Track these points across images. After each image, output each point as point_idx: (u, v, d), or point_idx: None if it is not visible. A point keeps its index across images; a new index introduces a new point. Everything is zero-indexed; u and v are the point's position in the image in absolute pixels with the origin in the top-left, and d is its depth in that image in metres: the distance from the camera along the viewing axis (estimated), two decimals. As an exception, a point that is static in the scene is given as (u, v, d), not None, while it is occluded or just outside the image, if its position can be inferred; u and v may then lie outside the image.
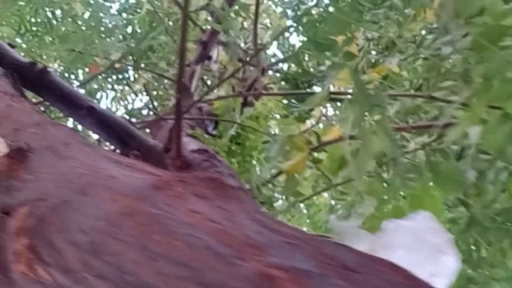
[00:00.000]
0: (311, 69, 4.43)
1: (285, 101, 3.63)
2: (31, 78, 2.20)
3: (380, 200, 1.29)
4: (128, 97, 5.09)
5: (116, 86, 4.98)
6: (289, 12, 5.76)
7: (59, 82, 2.28)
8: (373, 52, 3.87)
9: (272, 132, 3.21)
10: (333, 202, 3.74)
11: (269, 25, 5.67)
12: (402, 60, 2.64)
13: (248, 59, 4.59)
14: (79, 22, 3.71)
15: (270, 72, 4.52)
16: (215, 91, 4.04)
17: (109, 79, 4.88)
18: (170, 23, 4.36)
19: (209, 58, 3.67)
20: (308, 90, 4.29)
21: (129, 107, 5.12)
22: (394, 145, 1.26)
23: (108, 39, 3.46)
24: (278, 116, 3.72)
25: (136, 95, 5.08)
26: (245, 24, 4.94)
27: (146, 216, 0.79)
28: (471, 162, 1.81)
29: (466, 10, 1.36)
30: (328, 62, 4.54)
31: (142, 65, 4.28)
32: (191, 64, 3.52)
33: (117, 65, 3.73)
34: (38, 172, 1.13)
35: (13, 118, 1.51)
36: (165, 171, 1.04)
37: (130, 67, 4.61)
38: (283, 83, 4.39)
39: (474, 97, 1.19)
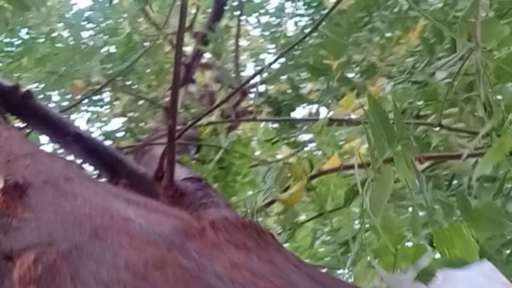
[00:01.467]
0: (288, 91, 4.39)
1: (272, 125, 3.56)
2: (14, 103, 2.10)
3: (396, 236, 1.22)
4: (104, 119, 4.99)
5: (91, 107, 4.88)
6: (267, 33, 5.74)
7: (43, 107, 2.18)
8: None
9: (257, 156, 3.13)
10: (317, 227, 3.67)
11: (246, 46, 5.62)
12: (396, 84, 2.59)
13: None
14: (59, 44, 3.61)
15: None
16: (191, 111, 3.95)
17: (84, 101, 4.76)
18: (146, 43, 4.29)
19: (193, 81, 3.60)
20: (291, 113, 4.24)
21: (104, 128, 5.01)
22: (420, 179, 1.20)
23: (88, 61, 3.36)
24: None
25: (113, 117, 4.97)
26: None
27: (179, 268, 0.70)
28: (475, 191, 1.76)
29: (491, 37, 1.31)
30: (310, 85, 4.49)
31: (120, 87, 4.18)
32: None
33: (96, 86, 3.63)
34: (40, 211, 1.04)
35: (3, 148, 1.41)
36: (183, 212, 0.96)
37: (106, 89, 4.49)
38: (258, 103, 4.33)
39: (500, 128, 1.13)
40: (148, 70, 4.09)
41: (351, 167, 1.96)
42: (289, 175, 2.02)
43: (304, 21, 5.60)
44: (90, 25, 3.86)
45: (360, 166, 2.06)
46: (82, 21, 3.78)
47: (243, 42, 5.56)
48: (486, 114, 1.19)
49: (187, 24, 4.04)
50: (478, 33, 1.20)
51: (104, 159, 2.13)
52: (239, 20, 4.02)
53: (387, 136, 1.16)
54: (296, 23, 5.59)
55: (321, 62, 2.15)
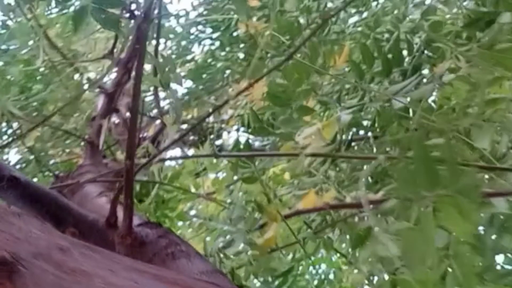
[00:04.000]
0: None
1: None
2: None
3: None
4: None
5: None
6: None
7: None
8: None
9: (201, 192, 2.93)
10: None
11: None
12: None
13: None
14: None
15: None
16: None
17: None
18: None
19: (117, 111, 3.35)
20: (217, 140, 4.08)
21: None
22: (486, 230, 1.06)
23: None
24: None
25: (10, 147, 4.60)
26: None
27: None
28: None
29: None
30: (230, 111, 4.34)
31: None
32: (97, 118, 3.19)
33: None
34: (43, 296, 0.82)
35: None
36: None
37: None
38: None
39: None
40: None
41: (337, 207, 1.82)
42: (256, 215, 1.86)
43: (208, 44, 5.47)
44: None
45: (354, 205, 1.92)
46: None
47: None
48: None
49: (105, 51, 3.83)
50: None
51: (47, 205, 1.89)
52: (157, 46, 3.81)
53: (430, 181, 1.03)
54: (203, 47, 5.45)
55: (281, 90, 2.00)
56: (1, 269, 0.88)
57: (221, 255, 1.93)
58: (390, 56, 2.98)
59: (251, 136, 3.63)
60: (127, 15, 1.77)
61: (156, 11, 3.71)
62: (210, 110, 4.37)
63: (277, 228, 1.76)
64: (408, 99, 2.09)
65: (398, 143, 2.29)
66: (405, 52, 2.96)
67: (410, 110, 2.41)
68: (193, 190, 3.27)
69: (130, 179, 1.77)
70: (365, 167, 2.86)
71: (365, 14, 3.93)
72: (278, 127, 2.05)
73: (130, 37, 3.48)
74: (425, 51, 2.88)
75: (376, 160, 1.66)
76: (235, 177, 2.21)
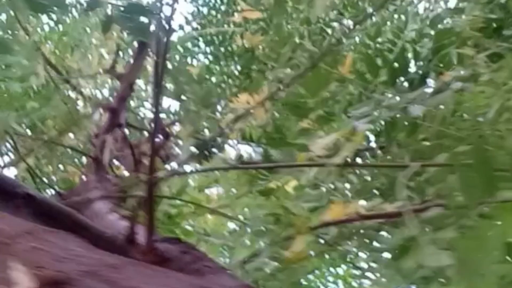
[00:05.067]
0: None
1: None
2: None
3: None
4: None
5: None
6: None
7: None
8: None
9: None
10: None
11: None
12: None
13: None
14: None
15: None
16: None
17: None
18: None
19: (120, 125, 3.30)
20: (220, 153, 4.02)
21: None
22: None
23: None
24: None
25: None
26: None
27: None
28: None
29: None
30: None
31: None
32: (100, 133, 3.14)
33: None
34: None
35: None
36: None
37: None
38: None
39: None
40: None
41: (370, 217, 1.78)
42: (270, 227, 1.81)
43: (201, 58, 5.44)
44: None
45: (389, 215, 1.88)
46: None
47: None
48: None
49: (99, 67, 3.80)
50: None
51: (62, 222, 1.82)
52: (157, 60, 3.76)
53: (491, 188, 0.99)
54: (197, 61, 5.42)
55: (301, 101, 1.97)
56: (52, 289, 0.83)
57: (243, 269, 1.88)
58: (396, 65, 2.95)
59: (249, 149, 3.60)
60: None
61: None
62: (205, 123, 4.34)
63: (306, 241, 1.71)
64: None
65: (415, 152, 2.26)
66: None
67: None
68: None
69: (151, 195, 1.72)
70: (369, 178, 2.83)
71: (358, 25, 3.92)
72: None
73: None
74: (432, 60, 2.87)
75: (410, 168, 1.61)
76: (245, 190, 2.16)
